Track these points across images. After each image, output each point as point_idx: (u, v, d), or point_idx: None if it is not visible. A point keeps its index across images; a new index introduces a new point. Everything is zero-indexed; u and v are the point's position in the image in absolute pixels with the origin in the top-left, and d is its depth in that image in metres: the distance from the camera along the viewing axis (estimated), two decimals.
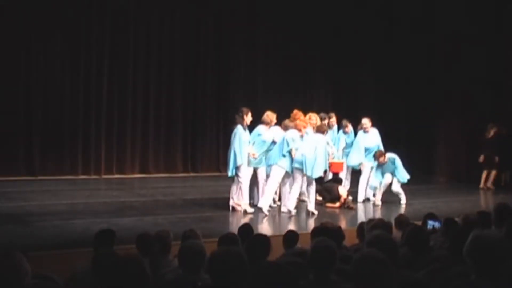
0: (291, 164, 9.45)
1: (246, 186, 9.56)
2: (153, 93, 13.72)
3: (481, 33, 13.85)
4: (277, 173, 9.51)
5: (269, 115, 9.86)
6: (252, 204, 9.69)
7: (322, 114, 11.03)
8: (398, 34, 15.30)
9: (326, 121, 10.94)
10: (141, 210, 9.47)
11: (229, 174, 9.55)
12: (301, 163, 9.37)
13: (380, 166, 10.61)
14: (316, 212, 9.52)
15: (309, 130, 9.99)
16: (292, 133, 9.57)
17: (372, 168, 10.85)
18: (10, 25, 12.07)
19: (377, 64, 15.44)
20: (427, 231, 5.66)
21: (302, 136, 9.65)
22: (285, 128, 9.80)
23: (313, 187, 9.61)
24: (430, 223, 6.13)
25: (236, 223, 8.56)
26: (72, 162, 12.71)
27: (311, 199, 9.60)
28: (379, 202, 10.66)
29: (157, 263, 4.71)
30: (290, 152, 9.41)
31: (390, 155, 10.64)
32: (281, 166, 9.46)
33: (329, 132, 11.00)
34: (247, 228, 5.86)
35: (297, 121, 9.84)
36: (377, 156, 10.61)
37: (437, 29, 14.64)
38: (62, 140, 12.67)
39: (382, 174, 10.70)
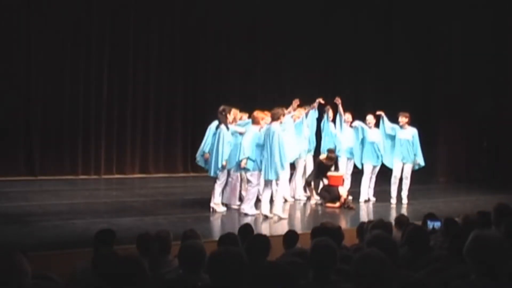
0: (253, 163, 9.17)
1: (221, 186, 9.56)
2: (153, 93, 13.71)
3: (481, 32, 13.85)
4: (255, 179, 9.28)
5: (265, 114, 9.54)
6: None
7: (306, 107, 10.84)
8: (398, 34, 15.28)
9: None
10: (141, 210, 9.47)
11: (212, 174, 9.45)
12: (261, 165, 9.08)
13: (400, 128, 10.57)
14: (271, 216, 9.06)
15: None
16: (250, 133, 9.10)
17: (374, 167, 10.89)
18: (10, 25, 12.07)
19: (377, 64, 15.42)
20: (427, 231, 5.66)
21: (260, 129, 9.17)
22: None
23: (267, 190, 9.09)
24: (430, 223, 6.12)
25: (236, 223, 8.56)
26: (72, 162, 12.70)
27: (264, 202, 9.09)
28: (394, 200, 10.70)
29: (157, 263, 4.71)
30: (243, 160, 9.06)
31: (412, 128, 10.66)
32: (254, 169, 9.20)
33: (328, 124, 11.01)
34: (247, 228, 5.86)
35: (254, 113, 9.33)
36: (402, 115, 10.57)
37: (437, 29, 14.63)
38: (62, 140, 12.67)
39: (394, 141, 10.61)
